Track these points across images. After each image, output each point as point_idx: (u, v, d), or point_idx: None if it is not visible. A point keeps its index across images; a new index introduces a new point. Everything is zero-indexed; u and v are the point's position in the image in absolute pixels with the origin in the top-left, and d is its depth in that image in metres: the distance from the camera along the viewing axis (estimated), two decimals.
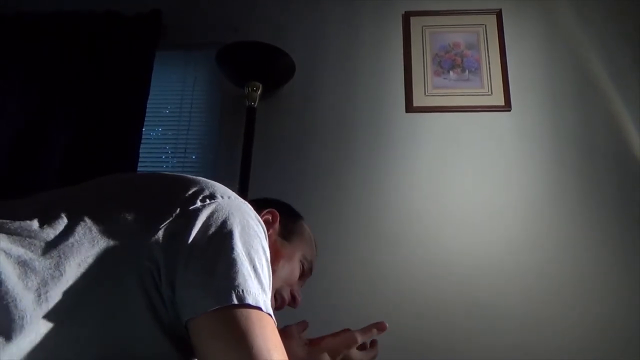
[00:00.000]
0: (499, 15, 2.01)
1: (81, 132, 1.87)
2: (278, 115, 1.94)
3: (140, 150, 1.86)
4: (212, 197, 0.69)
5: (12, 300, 0.53)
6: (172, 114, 2.08)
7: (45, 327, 0.55)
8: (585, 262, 1.64)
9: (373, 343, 1.02)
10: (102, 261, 0.60)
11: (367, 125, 1.89)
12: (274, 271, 0.89)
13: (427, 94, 1.91)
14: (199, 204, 0.67)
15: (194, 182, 0.72)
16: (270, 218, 0.93)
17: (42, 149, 1.84)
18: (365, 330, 0.98)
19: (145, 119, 1.89)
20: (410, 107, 1.90)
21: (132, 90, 1.91)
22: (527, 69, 1.92)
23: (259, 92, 1.83)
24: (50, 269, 0.57)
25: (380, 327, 0.99)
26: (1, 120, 1.88)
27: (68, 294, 0.57)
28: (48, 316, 0.55)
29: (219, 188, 0.72)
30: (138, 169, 1.84)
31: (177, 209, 0.65)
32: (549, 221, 1.70)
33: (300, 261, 0.98)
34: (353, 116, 1.91)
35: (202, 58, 2.10)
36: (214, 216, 0.66)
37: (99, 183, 0.77)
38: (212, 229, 0.65)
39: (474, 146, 1.83)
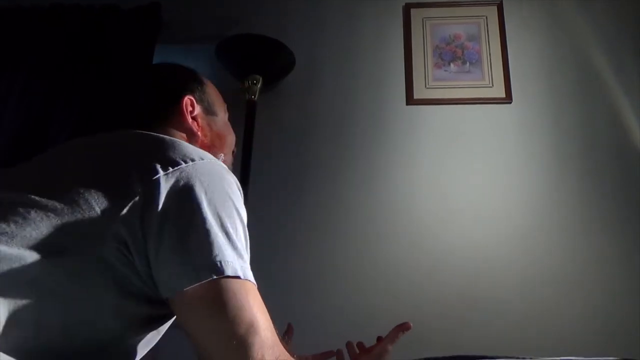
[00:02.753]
0: (500, 7, 2.00)
1: (82, 127, 1.86)
2: (278, 108, 1.93)
3: None
4: (174, 162, 0.65)
5: None
6: None
7: (9, 318, 0.54)
8: (585, 254, 1.64)
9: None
10: (64, 247, 0.58)
11: (367, 118, 1.89)
12: (227, 143, 0.95)
13: (427, 86, 1.91)
14: (161, 172, 0.64)
15: (155, 146, 0.69)
16: (191, 110, 0.91)
17: (43, 142, 1.84)
18: (392, 336, 1.00)
19: None
20: (410, 100, 1.89)
21: (132, 84, 1.91)
22: (528, 61, 1.92)
23: (258, 85, 1.82)
24: (12, 260, 0.56)
25: (405, 327, 1.00)
26: (1, 116, 1.88)
27: (33, 283, 0.56)
28: (11, 305, 0.54)
29: (181, 150, 0.69)
30: None
31: (139, 183, 0.62)
32: (549, 213, 1.70)
33: (227, 115, 1.01)
34: (353, 109, 1.91)
35: (202, 51, 2.08)
36: (179, 185, 0.63)
37: (56, 156, 0.74)
38: (178, 200, 0.62)
39: (474, 138, 1.82)
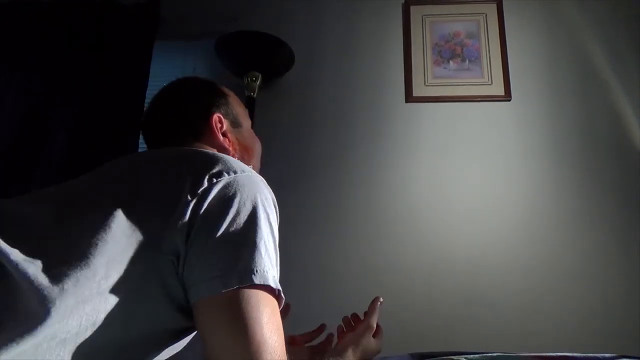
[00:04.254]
0: (500, 4, 2.00)
1: (81, 123, 1.86)
2: (277, 105, 1.93)
3: (140, 141, 1.85)
4: (219, 174, 0.69)
5: (40, 292, 0.54)
6: None
7: (75, 322, 0.56)
8: (585, 251, 1.64)
9: (377, 330, 1.06)
10: (126, 259, 0.61)
11: (366, 116, 1.89)
12: (255, 153, 0.98)
13: (427, 83, 1.91)
14: (206, 184, 0.67)
15: (202, 159, 0.72)
16: (220, 126, 0.93)
17: (42, 139, 1.84)
18: (371, 312, 1.05)
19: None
20: (410, 97, 1.89)
21: (131, 80, 1.90)
22: (528, 59, 1.92)
23: (258, 82, 1.82)
24: (82, 269, 0.58)
25: (377, 300, 1.08)
26: (1, 111, 1.88)
27: (96, 289, 0.58)
28: (78, 309, 0.56)
29: (226, 163, 0.72)
30: None
31: (190, 196, 0.65)
32: (548, 211, 1.70)
33: (250, 123, 1.03)
34: (353, 106, 1.91)
35: (201, 48, 2.09)
36: (220, 195, 0.67)
37: (107, 172, 0.77)
38: (219, 209, 0.65)
39: (473, 136, 1.83)
